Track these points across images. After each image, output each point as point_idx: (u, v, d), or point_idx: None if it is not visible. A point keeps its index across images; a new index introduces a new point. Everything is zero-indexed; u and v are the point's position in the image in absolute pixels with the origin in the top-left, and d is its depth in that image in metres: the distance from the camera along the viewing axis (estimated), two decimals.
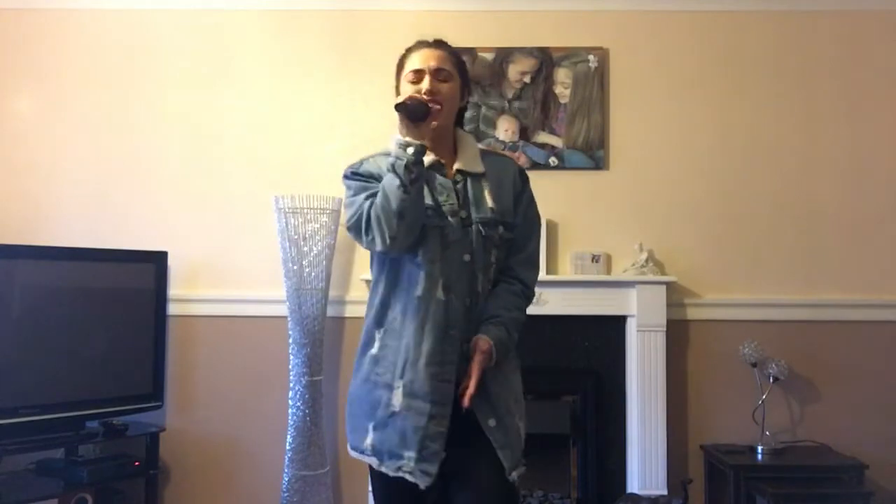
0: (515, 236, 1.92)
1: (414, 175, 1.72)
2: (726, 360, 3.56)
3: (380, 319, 1.89)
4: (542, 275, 2.72)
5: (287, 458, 3.38)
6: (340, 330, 3.64)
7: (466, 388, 1.76)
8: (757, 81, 3.67)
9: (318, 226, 3.41)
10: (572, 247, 3.56)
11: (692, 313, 3.61)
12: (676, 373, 3.56)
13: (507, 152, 2.01)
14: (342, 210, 3.53)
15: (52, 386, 3.14)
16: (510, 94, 3.65)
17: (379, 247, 1.79)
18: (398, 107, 1.74)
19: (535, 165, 3.59)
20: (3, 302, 3.09)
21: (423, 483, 1.76)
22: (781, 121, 3.67)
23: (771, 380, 3.44)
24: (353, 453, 1.89)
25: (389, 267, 1.88)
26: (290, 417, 3.39)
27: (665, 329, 3.46)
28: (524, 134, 3.64)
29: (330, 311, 3.53)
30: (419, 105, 1.76)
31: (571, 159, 3.63)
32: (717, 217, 3.65)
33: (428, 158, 1.83)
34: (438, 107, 1.82)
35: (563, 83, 3.65)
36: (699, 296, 3.61)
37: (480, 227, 1.85)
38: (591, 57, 3.65)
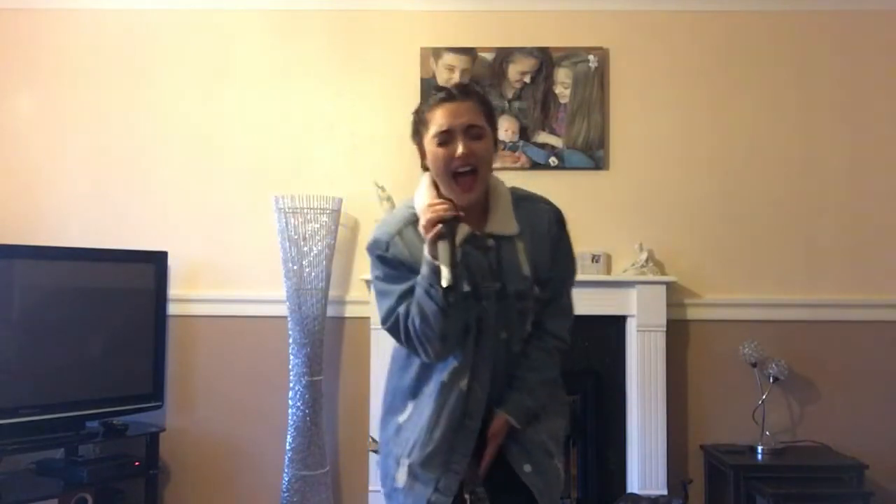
0: (550, 289, 1.78)
1: (452, 299, 1.59)
2: (726, 360, 3.55)
3: (415, 390, 1.77)
4: None
5: (287, 458, 3.38)
6: (340, 330, 3.64)
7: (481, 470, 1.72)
8: (757, 81, 3.67)
9: (318, 226, 3.40)
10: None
11: (692, 313, 3.61)
12: (676, 373, 3.56)
13: (541, 197, 1.84)
14: (341, 207, 3.53)
15: (52, 386, 3.14)
16: (510, 94, 3.65)
17: (425, 360, 1.72)
18: (447, 290, 1.57)
19: (535, 165, 3.59)
20: (3, 302, 3.09)
21: None
22: (781, 121, 3.67)
23: (771, 380, 3.44)
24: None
25: None
26: (290, 417, 3.39)
27: (665, 329, 3.46)
28: (524, 134, 3.64)
29: (330, 311, 3.52)
30: (450, 229, 1.58)
31: (571, 159, 3.63)
32: (717, 217, 3.64)
33: (459, 236, 1.65)
34: (469, 184, 1.66)
35: (563, 83, 3.65)
36: (699, 296, 3.61)
37: (516, 301, 1.71)
38: (591, 57, 3.65)
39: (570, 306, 1.86)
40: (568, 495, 3.52)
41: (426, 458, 1.72)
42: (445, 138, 1.67)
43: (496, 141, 1.77)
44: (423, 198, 1.74)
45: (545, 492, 1.74)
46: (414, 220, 1.71)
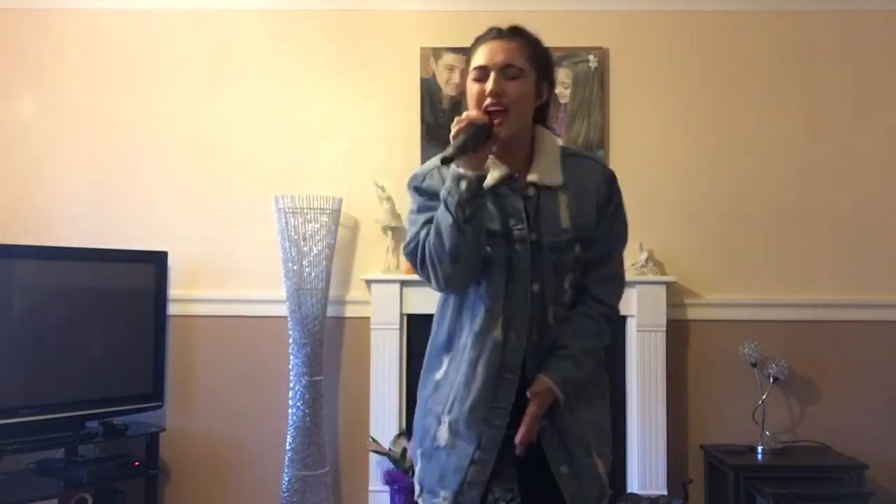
0: (594, 251, 1.69)
1: (468, 213, 1.53)
2: (726, 360, 3.55)
3: (448, 344, 1.71)
4: None
5: (287, 458, 3.38)
6: (340, 330, 3.64)
7: (521, 434, 1.62)
8: (757, 81, 3.67)
9: (318, 226, 3.41)
10: None
11: (692, 313, 3.61)
12: (676, 373, 3.56)
13: (592, 155, 1.74)
14: (341, 207, 3.54)
15: (52, 386, 3.14)
16: None
17: (434, 287, 1.65)
18: (445, 160, 1.52)
19: None
20: (3, 302, 3.09)
21: None
22: (781, 120, 3.67)
23: (771, 380, 3.44)
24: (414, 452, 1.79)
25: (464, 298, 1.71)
26: (290, 417, 3.39)
27: (665, 329, 3.46)
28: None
29: (330, 311, 3.53)
30: (475, 133, 1.54)
31: None
32: (717, 217, 3.64)
33: (496, 173, 1.63)
34: (498, 122, 1.59)
35: (563, 83, 3.65)
36: (699, 296, 3.61)
37: (551, 254, 1.64)
38: (591, 57, 3.65)
39: (619, 272, 1.77)
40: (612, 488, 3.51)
41: (467, 413, 1.64)
42: (481, 75, 1.65)
43: (547, 88, 1.72)
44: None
45: (578, 495, 1.65)
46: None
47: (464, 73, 1.74)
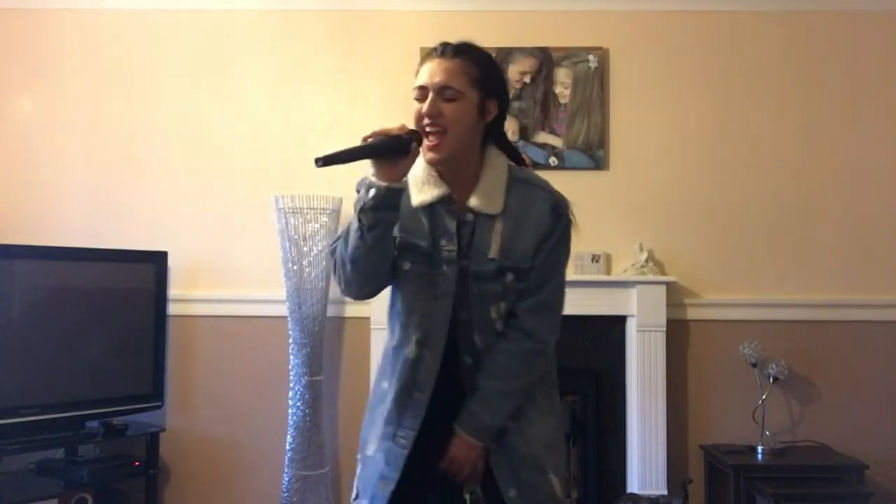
0: (531, 279, 1.66)
1: (370, 221, 1.52)
2: (726, 360, 3.55)
3: (384, 353, 1.78)
4: None
5: (287, 458, 3.38)
6: (340, 330, 3.64)
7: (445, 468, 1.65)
8: (757, 81, 3.67)
9: (318, 226, 3.41)
10: (572, 247, 3.54)
11: (692, 313, 3.61)
12: (676, 373, 3.56)
13: (544, 184, 1.73)
14: (341, 207, 3.54)
15: (52, 386, 3.14)
16: (510, 94, 3.64)
17: (341, 291, 1.68)
18: (316, 161, 1.48)
19: (536, 166, 3.59)
20: (3, 302, 3.09)
21: None
22: (781, 121, 3.67)
23: (771, 380, 3.44)
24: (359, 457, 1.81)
25: (391, 298, 1.74)
26: (290, 417, 3.39)
27: (665, 329, 3.46)
28: (524, 134, 3.64)
29: (330, 311, 3.53)
30: (389, 141, 1.52)
31: (571, 159, 3.63)
32: (717, 217, 3.64)
33: (435, 192, 1.63)
34: (435, 143, 1.58)
35: (563, 83, 3.65)
36: (699, 296, 3.61)
37: (475, 282, 1.63)
38: (591, 57, 3.65)
39: (552, 302, 1.71)
40: (568, 495, 3.51)
41: (377, 427, 1.69)
42: (420, 94, 1.64)
43: (495, 105, 1.67)
44: (416, 171, 1.66)
45: None
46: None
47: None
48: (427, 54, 1.68)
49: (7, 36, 3.72)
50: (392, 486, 1.64)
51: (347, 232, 1.60)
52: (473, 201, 1.64)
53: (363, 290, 1.65)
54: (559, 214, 1.69)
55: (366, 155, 1.53)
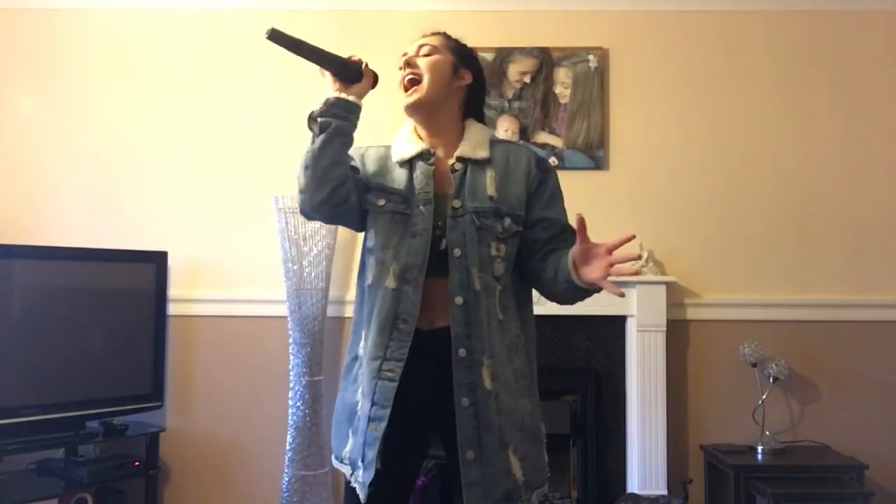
0: (552, 230, 1.75)
1: (316, 127, 1.67)
2: (726, 360, 3.56)
3: (355, 322, 1.79)
4: None
5: (287, 458, 3.38)
6: (340, 330, 3.64)
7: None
8: (757, 81, 3.67)
9: (318, 226, 3.41)
10: None
11: (692, 313, 3.61)
12: (676, 373, 3.56)
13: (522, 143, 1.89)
14: None
15: (52, 386, 3.14)
16: (510, 94, 3.65)
17: (298, 201, 1.72)
18: (270, 33, 1.69)
19: None
20: (3, 302, 3.09)
21: (362, 496, 1.63)
22: (781, 121, 3.67)
23: (771, 380, 3.44)
24: (334, 462, 1.78)
25: (361, 260, 1.80)
26: (290, 417, 3.39)
27: (665, 329, 3.46)
28: (524, 134, 3.64)
29: (330, 311, 3.53)
30: (340, 59, 1.71)
31: (571, 159, 3.63)
32: (717, 217, 3.64)
33: (415, 147, 1.77)
34: (413, 89, 1.76)
35: (563, 83, 3.65)
36: (699, 296, 3.61)
37: (475, 217, 1.68)
38: (591, 57, 3.65)
39: None
40: (568, 495, 3.52)
41: (364, 368, 1.68)
42: (402, 63, 1.81)
43: (468, 75, 1.83)
44: (400, 135, 1.83)
45: (476, 484, 1.60)
46: (383, 147, 1.84)
47: None
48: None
49: (7, 36, 3.72)
50: (385, 424, 1.61)
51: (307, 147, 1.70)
52: (461, 150, 1.76)
53: (315, 196, 1.68)
54: (545, 168, 1.82)
55: (315, 56, 1.71)
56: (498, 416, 1.64)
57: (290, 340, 3.42)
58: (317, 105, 1.69)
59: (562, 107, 3.65)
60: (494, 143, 1.81)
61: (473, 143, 1.77)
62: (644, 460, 3.41)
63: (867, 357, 3.60)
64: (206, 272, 3.65)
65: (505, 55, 3.64)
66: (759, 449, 3.38)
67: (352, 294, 3.62)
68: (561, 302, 1.79)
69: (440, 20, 3.67)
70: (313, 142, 1.67)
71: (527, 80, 3.65)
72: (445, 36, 1.85)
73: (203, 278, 3.65)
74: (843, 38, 3.68)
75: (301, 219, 3.39)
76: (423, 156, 1.77)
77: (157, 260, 3.46)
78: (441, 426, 1.70)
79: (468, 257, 1.67)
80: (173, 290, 3.58)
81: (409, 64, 1.78)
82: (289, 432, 3.39)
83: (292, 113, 3.71)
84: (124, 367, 3.35)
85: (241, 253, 3.65)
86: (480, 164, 1.75)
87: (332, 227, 3.45)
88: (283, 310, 3.45)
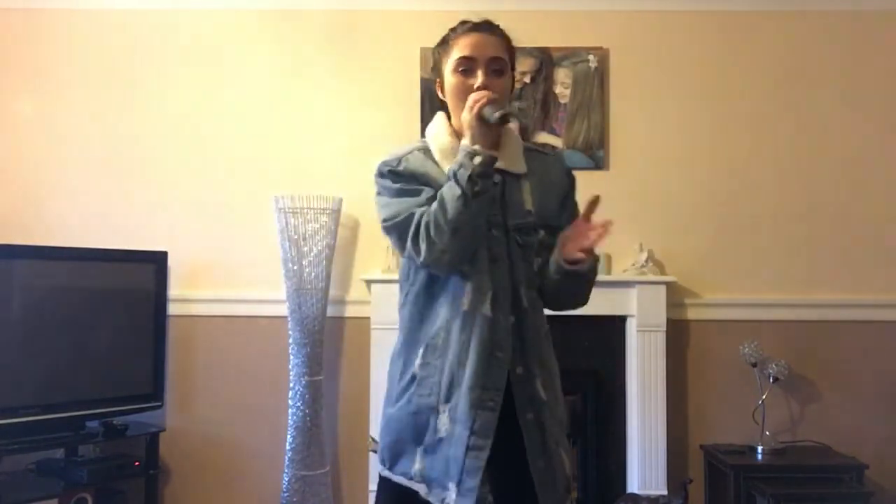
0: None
1: (478, 188, 1.55)
2: (726, 360, 3.55)
3: (419, 335, 1.69)
4: None
5: (287, 458, 3.38)
6: (340, 330, 3.64)
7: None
8: (757, 81, 3.67)
9: (318, 226, 3.41)
10: None
11: (692, 313, 3.61)
12: (676, 373, 3.56)
13: (547, 146, 1.87)
14: (341, 207, 3.53)
15: (52, 386, 3.14)
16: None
17: (424, 258, 1.61)
18: (501, 118, 1.57)
19: None
20: (3, 302, 3.08)
21: None
22: (781, 121, 3.67)
23: (771, 380, 3.44)
24: (397, 478, 1.69)
25: (428, 274, 1.68)
26: (290, 417, 3.39)
27: (665, 329, 3.46)
28: (524, 134, 3.63)
29: (330, 311, 3.53)
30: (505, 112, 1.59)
31: (571, 159, 3.62)
32: (716, 217, 3.64)
33: (498, 164, 1.65)
34: (507, 113, 1.61)
35: (563, 83, 3.65)
36: (699, 296, 3.61)
37: (517, 236, 1.67)
38: (591, 57, 3.65)
39: None
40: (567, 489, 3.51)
41: (462, 396, 1.60)
42: (468, 66, 1.67)
43: (514, 82, 1.78)
44: (436, 129, 1.74)
45: (549, 482, 1.65)
46: (423, 148, 1.72)
47: (437, 64, 1.75)
48: (463, 31, 1.72)
49: (7, 36, 3.72)
50: (486, 454, 1.59)
51: (441, 202, 1.58)
52: (501, 163, 1.66)
53: (456, 260, 1.62)
54: (572, 178, 1.84)
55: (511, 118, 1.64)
56: (551, 422, 1.69)
57: (290, 340, 3.42)
58: (467, 159, 1.57)
59: (562, 107, 3.65)
60: (526, 151, 1.78)
61: (511, 156, 1.72)
62: (644, 460, 3.41)
63: (867, 357, 3.60)
64: (206, 272, 3.65)
65: None
66: (759, 449, 3.38)
67: (352, 294, 3.63)
68: (563, 305, 1.80)
69: (440, 20, 3.67)
70: (467, 203, 1.55)
71: (527, 80, 3.65)
72: (504, 35, 1.75)
73: (203, 278, 3.65)
74: (843, 37, 3.68)
75: (301, 219, 3.39)
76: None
77: (157, 260, 3.46)
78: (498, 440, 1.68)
79: (517, 277, 1.68)
80: (173, 290, 3.57)
81: (486, 88, 1.64)
82: (289, 432, 3.39)
83: (292, 113, 3.72)
84: (124, 367, 3.35)
85: (241, 253, 3.65)
86: (517, 177, 1.72)
87: (332, 227, 3.46)
88: (283, 310, 3.45)
